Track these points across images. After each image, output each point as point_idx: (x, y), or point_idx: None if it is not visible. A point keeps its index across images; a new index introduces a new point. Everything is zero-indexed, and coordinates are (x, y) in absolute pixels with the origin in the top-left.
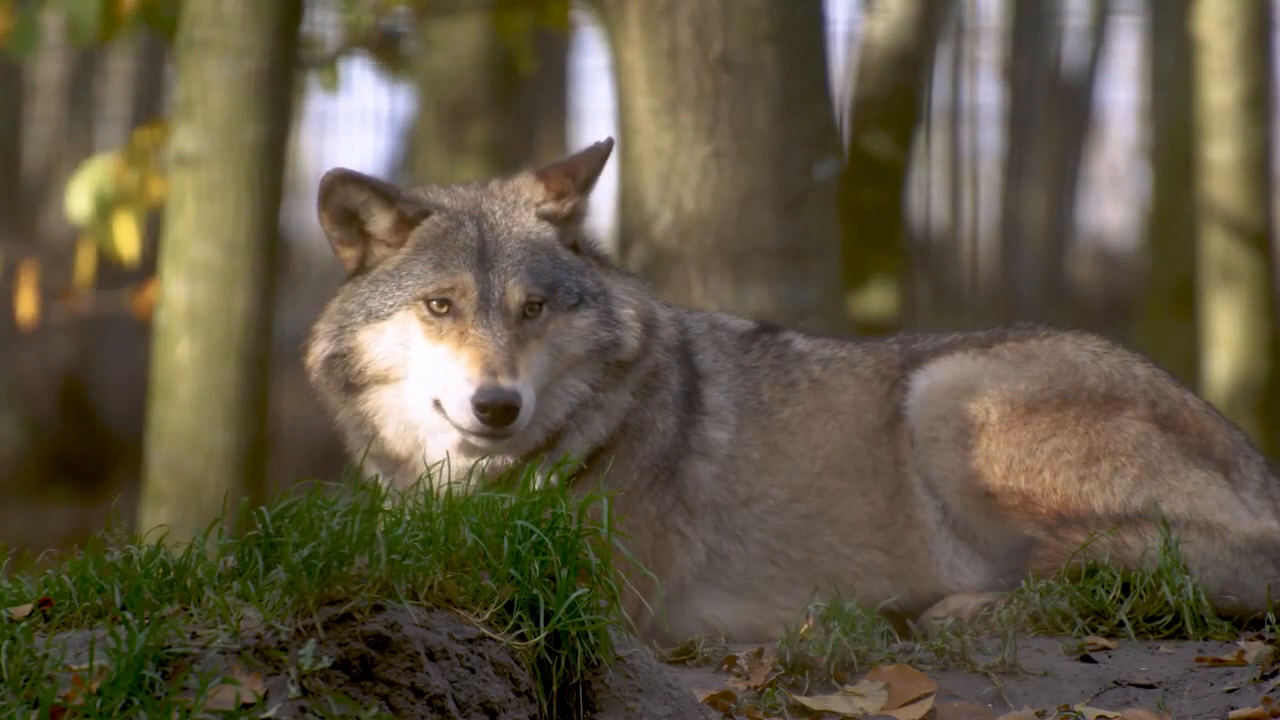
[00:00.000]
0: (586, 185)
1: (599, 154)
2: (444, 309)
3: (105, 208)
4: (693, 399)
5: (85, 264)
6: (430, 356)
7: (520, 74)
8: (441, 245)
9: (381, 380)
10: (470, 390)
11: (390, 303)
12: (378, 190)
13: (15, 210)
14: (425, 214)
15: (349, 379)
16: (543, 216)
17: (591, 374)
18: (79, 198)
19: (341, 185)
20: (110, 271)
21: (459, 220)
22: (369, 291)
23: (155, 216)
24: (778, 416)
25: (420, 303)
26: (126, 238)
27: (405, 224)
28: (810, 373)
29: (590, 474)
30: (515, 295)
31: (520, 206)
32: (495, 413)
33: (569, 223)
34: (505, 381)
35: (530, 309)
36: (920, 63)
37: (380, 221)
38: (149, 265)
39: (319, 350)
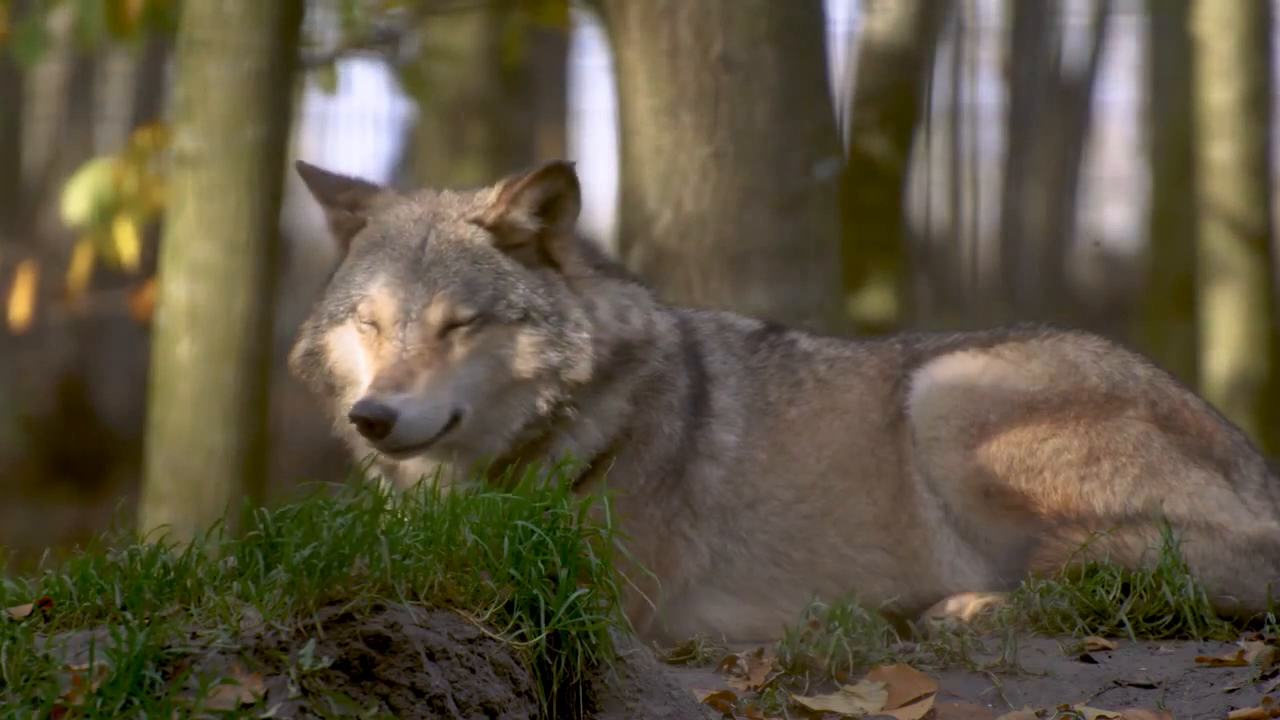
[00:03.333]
0: (518, 198)
1: (545, 170)
2: (366, 320)
3: (105, 212)
4: (700, 402)
5: (81, 266)
6: (364, 365)
7: (514, 70)
8: (378, 254)
9: (350, 383)
10: (353, 403)
11: (341, 308)
12: (318, 188)
13: (15, 211)
14: (361, 223)
15: (324, 379)
16: (472, 221)
17: (550, 391)
18: (77, 200)
19: (299, 174)
20: (108, 272)
21: (403, 228)
22: (329, 295)
23: (155, 221)
24: (784, 417)
25: (355, 313)
26: (126, 241)
27: (341, 228)
28: (816, 372)
29: (594, 478)
30: (437, 308)
31: (469, 216)
32: (362, 424)
33: (499, 232)
34: (384, 396)
35: (459, 320)
36: (920, 62)
37: (327, 219)
38: (148, 267)
39: (300, 347)
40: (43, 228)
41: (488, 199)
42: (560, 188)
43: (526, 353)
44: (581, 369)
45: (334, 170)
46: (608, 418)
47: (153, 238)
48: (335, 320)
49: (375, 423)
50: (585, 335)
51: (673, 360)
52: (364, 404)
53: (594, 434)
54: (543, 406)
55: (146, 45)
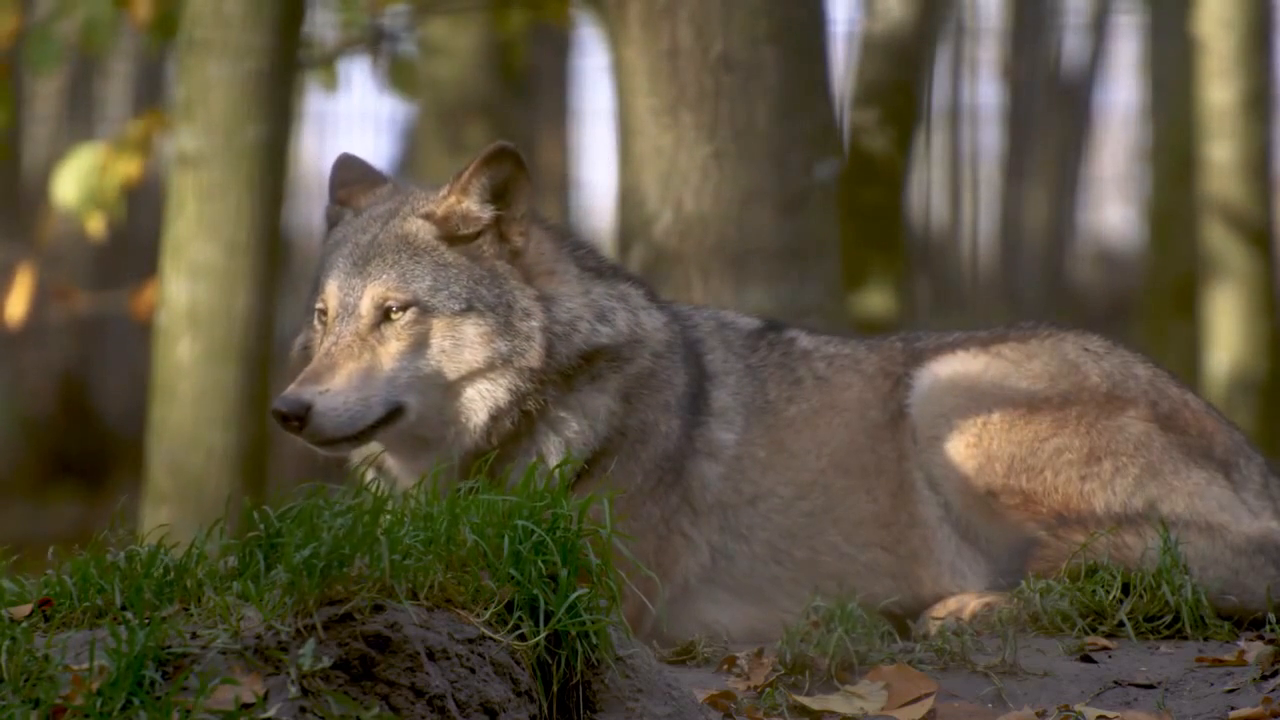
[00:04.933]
0: (467, 187)
1: (490, 155)
2: (323, 315)
3: (89, 193)
4: (699, 400)
5: (44, 234)
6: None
7: (515, 70)
8: (337, 251)
9: None
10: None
11: (312, 304)
12: (331, 182)
13: (15, 211)
14: (339, 218)
15: None
16: (422, 215)
17: (507, 379)
18: (66, 183)
19: (334, 166)
20: (108, 271)
21: (362, 225)
22: (311, 291)
23: (140, 207)
24: (783, 415)
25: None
26: (95, 216)
27: (328, 222)
28: (815, 370)
29: (591, 477)
30: (367, 299)
31: (419, 211)
32: (279, 419)
33: (449, 224)
34: (302, 389)
35: (391, 311)
36: (920, 62)
37: (325, 212)
38: (142, 263)
39: (297, 341)
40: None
41: (441, 192)
42: (509, 171)
43: (475, 342)
44: (533, 356)
45: (368, 165)
46: (594, 415)
47: (140, 226)
48: (311, 314)
49: (290, 416)
50: (534, 323)
51: (667, 358)
52: (281, 399)
53: (580, 431)
54: (503, 396)
55: (146, 45)
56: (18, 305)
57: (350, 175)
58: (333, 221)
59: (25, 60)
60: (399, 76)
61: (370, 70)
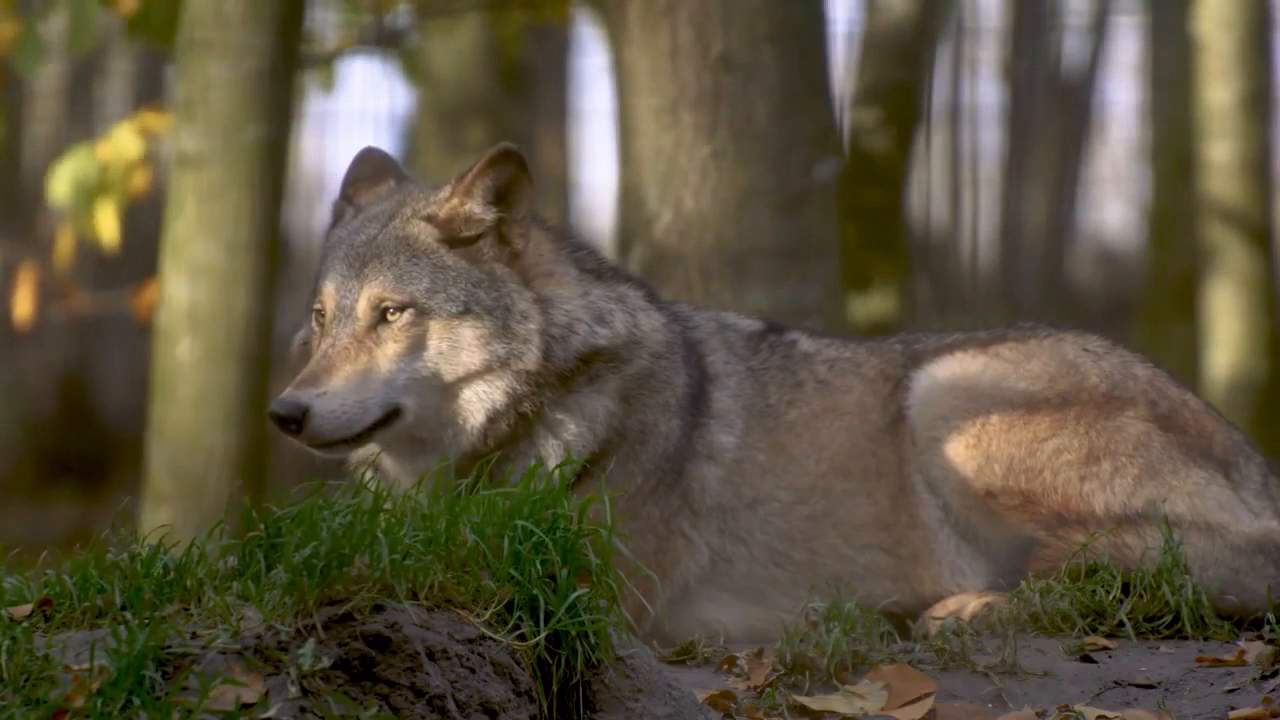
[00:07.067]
0: (471, 190)
1: (494, 157)
2: (320, 316)
3: (87, 194)
4: (700, 402)
5: (64, 249)
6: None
7: (509, 66)
8: (336, 251)
9: None
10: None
11: (312, 303)
12: (344, 179)
13: (15, 211)
14: (342, 215)
15: None
16: (424, 217)
17: (504, 382)
18: (60, 182)
19: (357, 160)
20: (109, 272)
21: (360, 225)
22: (312, 289)
23: (139, 207)
24: (784, 418)
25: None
26: (107, 223)
27: (332, 216)
28: (816, 373)
29: (591, 478)
30: (363, 300)
31: (421, 213)
32: (276, 421)
33: (451, 227)
34: (300, 392)
35: (387, 312)
36: (920, 62)
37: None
38: (136, 258)
39: (298, 336)
40: (43, 227)
41: (442, 194)
42: (512, 173)
43: (472, 345)
44: (530, 358)
45: (387, 160)
46: (592, 417)
47: (140, 226)
48: (311, 313)
49: (288, 419)
50: (532, 326)
51: (666, 359)
52: (279, 401)
53: (579, 433)
54: (500, 398)
55: (146, 45)
56: (24, 305)
57: (365, 171)
58: (337, 216)
59: (13, 62)
60: (408, 65)
61: (380, 63)
